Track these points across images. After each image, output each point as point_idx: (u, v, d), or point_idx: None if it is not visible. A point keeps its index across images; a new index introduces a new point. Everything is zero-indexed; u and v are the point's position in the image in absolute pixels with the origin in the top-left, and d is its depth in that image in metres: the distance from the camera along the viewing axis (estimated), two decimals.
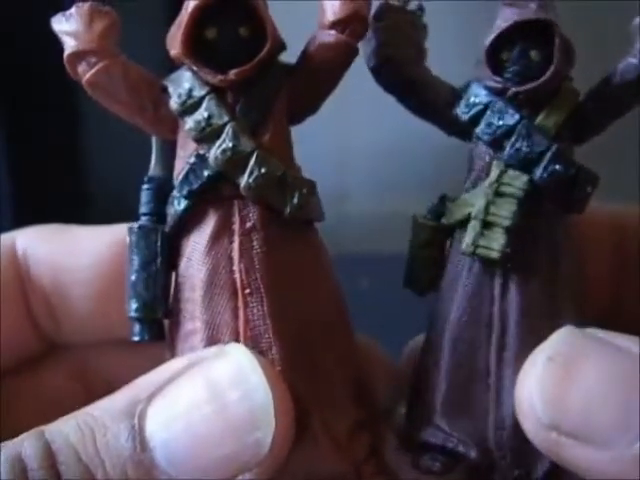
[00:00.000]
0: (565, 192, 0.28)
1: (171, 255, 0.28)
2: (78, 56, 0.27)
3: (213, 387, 0.24)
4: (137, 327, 0.28)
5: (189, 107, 0.27)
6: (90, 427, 0.24)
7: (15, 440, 0.24)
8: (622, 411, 0.24)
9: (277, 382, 0.25)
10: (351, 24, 0.27)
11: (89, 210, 0.73)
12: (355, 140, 0.78)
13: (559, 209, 0.28)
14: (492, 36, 0.27)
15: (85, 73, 0.27)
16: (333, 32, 0.27)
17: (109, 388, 0.25)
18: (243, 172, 0.27)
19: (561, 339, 0.26)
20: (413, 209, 0.29)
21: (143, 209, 0.29)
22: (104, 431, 0.24)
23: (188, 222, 0.28)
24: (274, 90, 0.28)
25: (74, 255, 0.34)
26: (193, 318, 0.27)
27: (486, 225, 0.28)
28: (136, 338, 0.28)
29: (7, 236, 0.35)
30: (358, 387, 0.29)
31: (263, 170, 0.27)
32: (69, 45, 0.27)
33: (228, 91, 0.27)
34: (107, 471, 0.23)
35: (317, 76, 0.28)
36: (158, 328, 0.28)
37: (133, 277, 0.28)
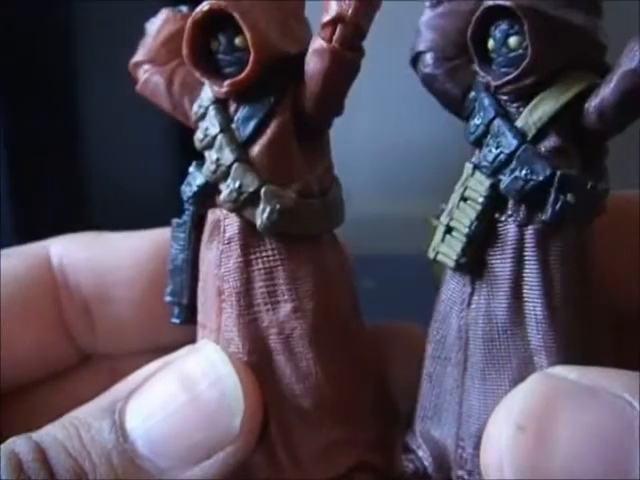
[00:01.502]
0: (536, 200, 0.25)
1: (198, 249, 0.30)
2: (136, 65, 0.30)
3: (185, 379, 0.26)
4: (176, 310, 0.31)
5: (199, 117, 0.28)
6: (75, 426, 0.26)
7: (6, 442, 0.25)
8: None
9: (245, 371, 0.27)
10: (337, 27, 0.26)
11: (89, 210, 0.73)
12: (358, 142, 0.78)
13: (532, 217, 0.26)
14: (471, 25, 0.26)
15: (138, 81, 0.30)
16: (320, 36, 0.26)
17: None
18: (224, 185, 0.27)
19: (529, 397, 0.23)
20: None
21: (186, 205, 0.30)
22: (88, 428, 0.26)
23: (201, 223, 0.29)
24: (274, 99, 0.27)
25: (115, 256, 0.34)
26: (200, 311, 0.29)
27: (449, 230, 0.27)
28: (173, 320, 0.31)
29: (39, 245, 0.35)
30: (351, 403, 0.29)
31: (237, 184, 0.27)
32: (137, 53, 0.30)
33: (230, 101, 0.28)
34: (94, 461, 0.25)
35: (311, 83, 0.27)
36: (188, 313, 0.30)
37: (170, 266, 0.30)
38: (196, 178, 0.29)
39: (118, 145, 0.70)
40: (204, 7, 0.26)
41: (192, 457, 0.26)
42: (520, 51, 0.25)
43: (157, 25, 0.29)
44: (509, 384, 0.26)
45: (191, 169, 0.29)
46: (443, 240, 0.27)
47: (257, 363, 0.28)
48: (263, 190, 0.27)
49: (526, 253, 0.26)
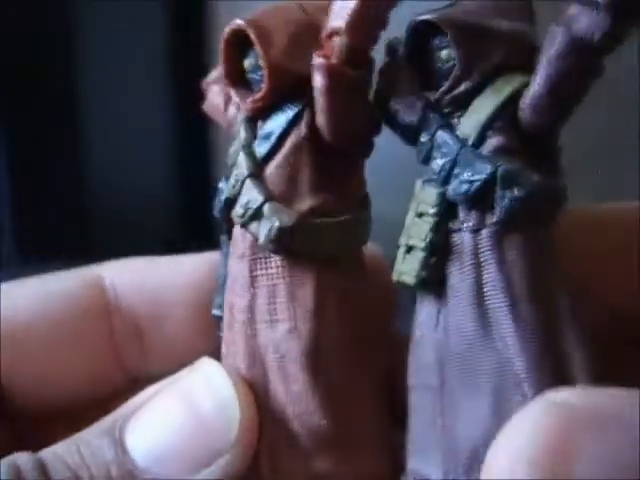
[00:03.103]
0: (484, 202, 0.25)
1: None
2: (207, 85, 0.31)
3: (184, 394, 0.27)
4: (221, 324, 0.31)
5: (236, 134, 0.29)
6: (75, 443, 0.27)
7: (8, 457, 0.26)
8: None
9: (240, 381, 0.27)
10: (334, 42, 0.25)
11: (90, 212, 0.73)
12: None
13: (484, 221, 0.25)
14: (403, 47, 0.26)
15: (205, 100, 0.31)
16: (318, 53, 0.25)
17: None
18: (238, 200, 0.28)
19: (537, 431, 0.21)
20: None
21: None
22: (88, 444, 0.26)
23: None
24: (292, 117, 0.27)
25: (168, 279, 0.35)
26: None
27: (409, 250, 0.26)
28: (220, 333, 0.30)
29: (92, 268, 0.35)
30: (347, 434, 0.28)
31: (245, 200, 0.27)
32: (210, 74, 0.31)
33: (259, 119, 0.28)
34: (93, 474, 0.26)
35: (317, 102, 0.26)
36: None
37: (219, 281, 0.30)
38: (222, 193, 0.29)
39: (119, 145, 0.70)
40: (231, 25, 0.27)
41: (190, 465, 0.26)
42: (452, 62, 0.25)
43: None
44: (488, 398, 0.25)
45: (220, 184, 0.29)
46: (403, 260, 0.26)
47: (255, 379, 0.27)
48: (266, 206, 0.27)
49: (483, 258, 0.25)
